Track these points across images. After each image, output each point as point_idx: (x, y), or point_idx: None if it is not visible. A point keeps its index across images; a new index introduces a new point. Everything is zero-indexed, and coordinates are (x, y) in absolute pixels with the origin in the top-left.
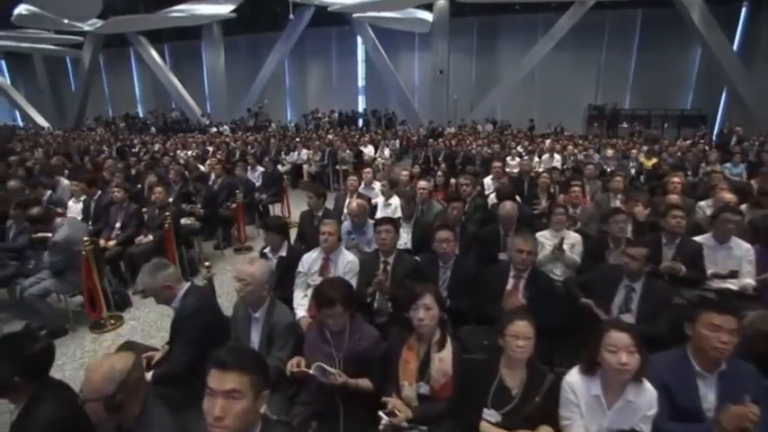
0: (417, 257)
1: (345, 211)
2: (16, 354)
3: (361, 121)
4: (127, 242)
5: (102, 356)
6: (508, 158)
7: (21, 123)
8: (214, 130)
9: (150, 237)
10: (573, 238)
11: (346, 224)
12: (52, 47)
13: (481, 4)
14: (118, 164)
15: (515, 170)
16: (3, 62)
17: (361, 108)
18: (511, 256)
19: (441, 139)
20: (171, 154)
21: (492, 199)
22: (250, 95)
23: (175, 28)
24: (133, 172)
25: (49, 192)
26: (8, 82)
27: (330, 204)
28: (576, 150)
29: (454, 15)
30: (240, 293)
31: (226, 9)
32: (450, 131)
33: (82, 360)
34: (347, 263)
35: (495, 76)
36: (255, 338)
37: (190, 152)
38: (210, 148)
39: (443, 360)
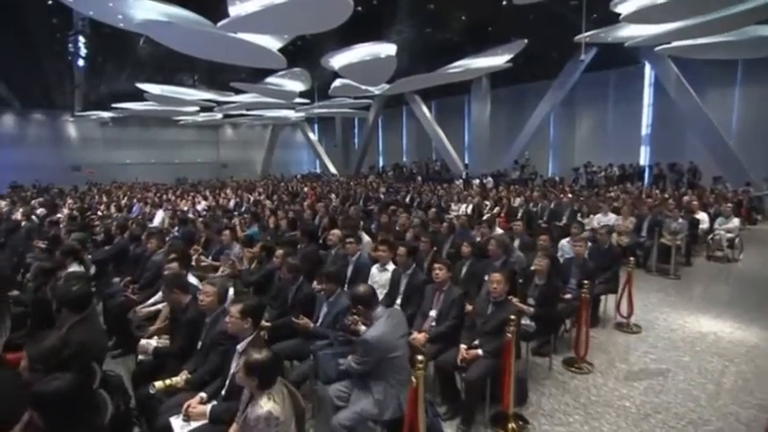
0: None
1: None
2: None
3: (648, 177)
4: (443, 341)
5: None
6: None
7: (318, 171)
8: (477, 181)
9: (479, 348)
10: None
11: None
12: (348, 110)
13: None
14: (415, 219)
15: None
16: (316, 124)
17: (643, 160)
18: None
19: None
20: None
21: None
22: (514, 147)
23: (444, 84)
24: (430, 229)
25: (359, 252)
26: (316, 139)
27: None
28: None
29: None
30: None
31: (502, 60)
32: None
33: None
34: None
35: None
36: None
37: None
38: (487, 203)
39: None
